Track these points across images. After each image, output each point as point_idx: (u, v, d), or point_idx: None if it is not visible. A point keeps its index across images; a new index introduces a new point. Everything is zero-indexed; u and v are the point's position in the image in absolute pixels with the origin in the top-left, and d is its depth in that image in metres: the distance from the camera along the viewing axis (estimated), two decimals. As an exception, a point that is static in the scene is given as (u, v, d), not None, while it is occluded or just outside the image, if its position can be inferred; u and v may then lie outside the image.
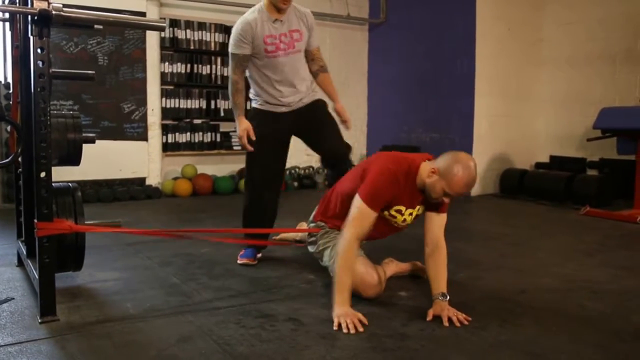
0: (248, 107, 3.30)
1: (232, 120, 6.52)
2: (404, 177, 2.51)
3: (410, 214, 2.65)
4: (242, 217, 3.33)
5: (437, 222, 2.62)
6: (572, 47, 6.38)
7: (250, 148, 3.13)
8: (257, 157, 3.20)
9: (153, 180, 6.20)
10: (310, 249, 2.94)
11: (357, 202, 2.48)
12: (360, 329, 2.23)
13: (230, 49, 3.15)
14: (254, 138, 3.12)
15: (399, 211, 2.62)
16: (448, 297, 2.45)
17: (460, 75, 6.32)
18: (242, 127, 3.14)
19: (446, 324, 2.32)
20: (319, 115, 3.28)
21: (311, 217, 3.02)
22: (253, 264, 3.24)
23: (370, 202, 2.46)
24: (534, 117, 6.73)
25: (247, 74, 3.26)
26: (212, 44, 6.45)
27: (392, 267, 2.95)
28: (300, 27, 3.18)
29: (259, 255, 3.32)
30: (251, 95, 3.34)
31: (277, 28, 3.11)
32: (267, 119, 3.22)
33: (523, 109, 6.65)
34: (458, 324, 2.31)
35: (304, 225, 3.36)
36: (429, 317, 2.38)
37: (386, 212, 2.60)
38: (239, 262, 3.25)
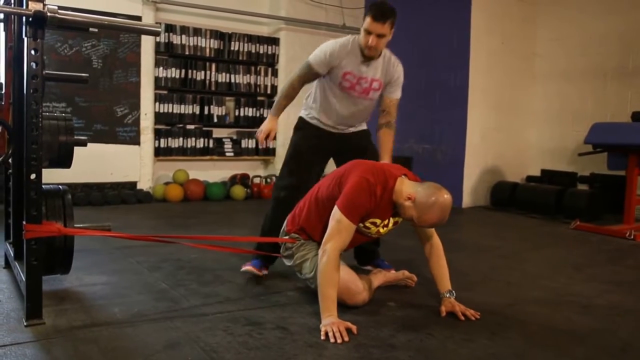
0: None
1: (224, 126, 6.66)
2: (381, 190, 2.50)
3: (385, 226, 2.65)
4: (264, 220, 3.22)
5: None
6: (565, 62, 6.43)
7: (264, 144, 3.07)
8: (292, 166, 3.18)
9: (144, 185, 6.17)
10: (287, 262, 2.86)
11: (337, 215, 2.47)
12: (346, 339, 2.22)
13: (310, 60, 3.07)
14: (272, 141, 3.04)
15: (374, 223, 2.61)
16: (455, 294, 2.63)
17: (454, 87, 6.35)
18: (269, 125, 3.09)
19: (462, 318, 2.51)
20: (363, 142, 3.27)
21: (283, 227, 2.90)
22: (259, 274, 3.06)
23: (349, 215, 2.46)
24: (526, 130, 6.77)
25: (314, 86, 3.20)
26: (207, 50, 6.45)
27: (380, 277, 2.94)
28: (382, 78, 3.11)
29: (265, 272, 3.13)
30: (305, 105, 3.29)
31: (361, 70, 3.05)
32: (313, 132, 3.20)
33: (515, 122, 6.68)
34: (473, 318, 2.52)
35: None
36: (443, 314, 2.56)
37: (361, 224, 2.58)
38: (242, 269, 3.08)
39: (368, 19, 2.91)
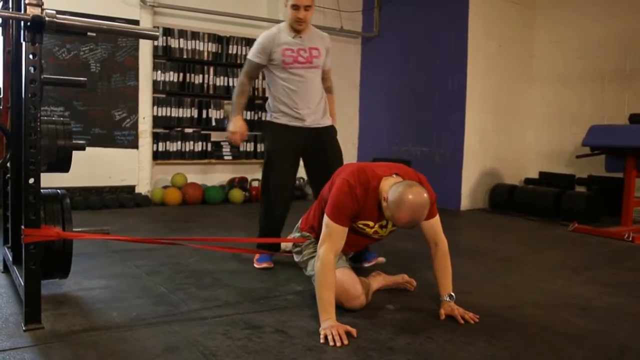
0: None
1: (223, 130, 6.64)
2: (363, 192, 2.49)
3: (382, 226, 2.64)
4: (259, 226, 3.50)
5: (430, 225, 2.63)
6: (562, 65, 6.45)
7: (239, 143, 3.38)
8: (271, 170, 3.38)
9: (142, 189, 6.17)
10: (296, 258, 2.94)
11: (325, 220, 2.51)
12: (346, 342, 2.22)
13: (249, 56, 3.43)
14: (245, 138, 3.36)
15: (366, 224, 2.62)
16: (455, 298, 2.61)
17: (452, 90, 6.37)
18: (238, 125, 3.35)
19: (461, 321, 2.49)
20: (328, 141, 3.45)
21: (297, 225, 3.01)
22: (271, 267, 3.37)
23: (335, 218, 2.48)
24: (524, 133, 6.78)
25: (268, 87, 3.46)
26: (205, 54, 6.45)
27: (379, 280, 2.95)
28: (319, 46, 3.39)
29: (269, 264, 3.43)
30: (268, 108, 3.49)
31: (296, 43, 3.32)
32: (281, 133, 3.36)
33: (513, 124, 6.70)
34: (472, 321, 2.50)
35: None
36: (442, 317, 2.55)
37: (354, 225, 2.60)
38: (256, 266, 3.37)
39: None
